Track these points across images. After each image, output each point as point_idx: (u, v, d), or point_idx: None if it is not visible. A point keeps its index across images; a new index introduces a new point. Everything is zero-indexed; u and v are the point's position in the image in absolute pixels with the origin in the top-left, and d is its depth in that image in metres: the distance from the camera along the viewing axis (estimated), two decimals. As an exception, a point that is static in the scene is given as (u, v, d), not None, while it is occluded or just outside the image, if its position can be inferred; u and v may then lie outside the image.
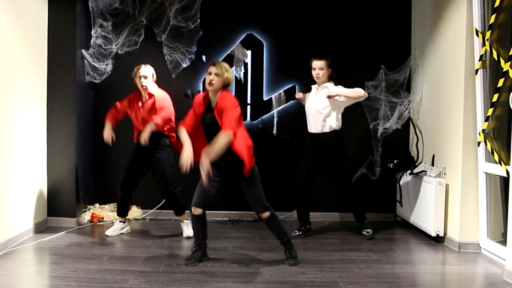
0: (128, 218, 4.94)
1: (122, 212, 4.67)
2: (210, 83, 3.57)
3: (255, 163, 3.68)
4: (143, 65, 4.45)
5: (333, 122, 4.49)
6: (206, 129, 3.66)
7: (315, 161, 4.59)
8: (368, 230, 4.66)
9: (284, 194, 5.31)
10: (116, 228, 4.65)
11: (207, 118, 3.65)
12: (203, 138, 3.69)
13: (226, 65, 3.67)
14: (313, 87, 4.69)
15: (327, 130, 4.50)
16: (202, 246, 3.85)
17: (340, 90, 4.42)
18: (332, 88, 4.47)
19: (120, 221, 4.69)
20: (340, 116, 4.56)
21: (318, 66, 4.51)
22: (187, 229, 4.59)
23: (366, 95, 4.48)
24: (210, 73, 3.59)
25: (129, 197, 4.64)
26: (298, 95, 4.83)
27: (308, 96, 4.69)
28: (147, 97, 4.44)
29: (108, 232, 4.61)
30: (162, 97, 4.48)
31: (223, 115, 3.49)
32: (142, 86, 4.40)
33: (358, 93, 4.40)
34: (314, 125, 4.54)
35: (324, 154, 4.54)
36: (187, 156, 3.50)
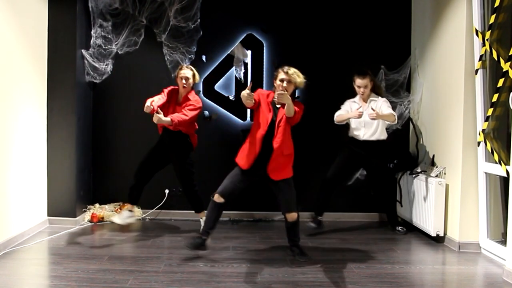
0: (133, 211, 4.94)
1: (131, 199, 4.71)
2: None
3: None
4: (184, 66, 4.55)
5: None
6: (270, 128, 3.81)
7: (354, 163, 4.77)
8: (402, 227, 4.85)
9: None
10: (123, 216, 4.76)
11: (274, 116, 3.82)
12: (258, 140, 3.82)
13: (296, 71, 3.84)
14: (354, 102, 4.72)
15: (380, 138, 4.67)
16: (205, 235, 3.97)
17: (382, 111, 4.44)
18: (377, 105, 4.52)
19: (129, 210, 4.77)
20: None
21: (363, 85, 4.59)
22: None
23: (395, 118, 4.51)
24: (282, 80, 3.77)
25: (141, 186, 4.66)
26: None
27: (353, 108, 4.67)
28: (183, 98, 4.50)
29: (115, 219, 4.76)
30: (193, 101, 4.46)
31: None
32: (184, 86, 4.46)
33: (392, 117, 4.45)
34: (367, 133, 4.66)
35: (370, 159, 4.69)
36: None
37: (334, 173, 4.74)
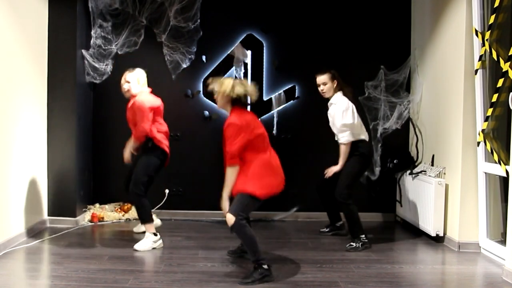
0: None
1: (145, 219, 4.27)
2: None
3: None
4: (127, 71, 4.35)
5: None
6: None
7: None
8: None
9: (289, 194, 5.29)
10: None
11: None
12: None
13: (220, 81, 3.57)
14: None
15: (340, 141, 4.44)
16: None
17: (340, 163, 4.36)
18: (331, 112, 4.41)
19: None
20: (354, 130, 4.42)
21: (322, 81, 4.40)
22: (140, 227, 4.55)
23: (347, 143, 4.34)
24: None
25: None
26: None
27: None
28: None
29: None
30: (138, 104, 4.20)
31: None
32: (124, 90, 4.33)
33: (344, 147, 4.32)
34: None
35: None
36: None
37: (322, 179, 4.59)
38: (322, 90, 4.42)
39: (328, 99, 4.46)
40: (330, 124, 4.47)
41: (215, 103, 3.66)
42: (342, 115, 4.29)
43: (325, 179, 4.53)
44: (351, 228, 4.38)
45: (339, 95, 4.40)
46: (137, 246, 4.16)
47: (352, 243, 4.29)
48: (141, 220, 4.32)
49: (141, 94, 4.30)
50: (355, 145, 4.36)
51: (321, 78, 4.41)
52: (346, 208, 4.34)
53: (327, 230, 4.81)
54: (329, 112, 4.47)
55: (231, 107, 3.54)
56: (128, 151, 4.33)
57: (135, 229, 4.73)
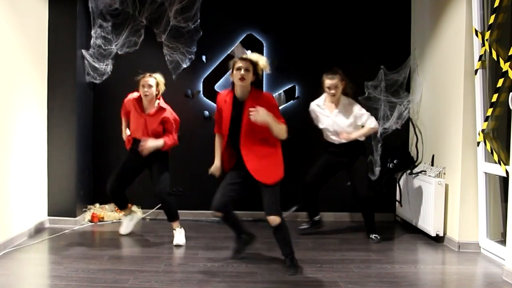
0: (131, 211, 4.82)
1: (121, 205, 4.60)
2: (242, 78, 3.48)
3: None
4: (148, 74, 4.34)
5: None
6: (232, 125, 3.56)
7: (333, 166, 4.65)
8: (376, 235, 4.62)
9: (290, 194, 5.29)
10: (126, 225, 4.68)
11: (236, 114, 3.55)
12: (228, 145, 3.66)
13: (255, 56, 3.64)
14: (322, 104, 4.55)
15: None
16: (240, 234, 3.90)
17: (357, 133, 4.43)
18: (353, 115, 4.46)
19: (124, 215, 4.70)
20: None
21: (334, 85, 4.37)
22: (178, 237, 4.42)
23: (378, 128, 4.56)
24: (240, 68, 3.49)
25: (122, 195, 4.54)
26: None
27: (320, 114, 4.57)
28: (155, 108, 4.34)
29: (121, 230, 4.66)
30: (174, 116, 4.42)
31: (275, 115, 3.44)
32: (145, 95, 4.29)
33: (373, 131, 4.50)
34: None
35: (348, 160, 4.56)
36: (214, 169, 3.72)
37: (313, 178, 4.64)
38: (333, 93, 4.41)
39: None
40: (332, 122, 4.47)
41: (242, 79, 3.46)
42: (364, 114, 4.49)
43: (318, 178, 4.63)
44: (372, 223, 4.62)
45: (344, 98, 4.48)
46: (179, 242, 4.31)
47: (376, 235, 4.55)
48: (170, 217, 4.43)
49: (162, 102, 4.41)
50: (362, 144, 4.54)
51: (333, 82, 4.37)
52: (370, 207, 4.60)
53: (307, 226, 4.84)
54: (339, 114, 4.48)
55: (251, 87, 3.56)
56: (151, 148, 4.28)
57: (123, 231, 4.66)
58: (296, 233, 4.65)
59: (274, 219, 3.54)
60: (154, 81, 4.33)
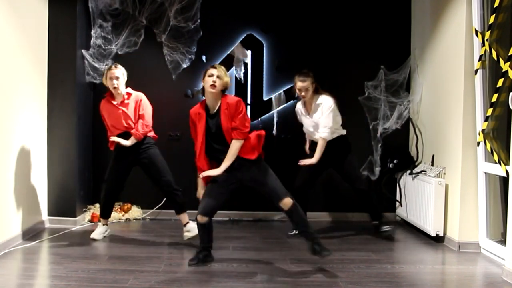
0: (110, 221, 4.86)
1: (106, 214, 4.55)
2: (213, 85, 3.55)
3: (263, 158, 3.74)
4: (113, 66, 4.34)
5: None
6: (212, 137, 3.64)
7: (318, 166, 4.54)
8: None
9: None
10: (100, 232, 4.51)
11: (212, 125, 3.62)
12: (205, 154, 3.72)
13: (224, 69, 3.69)
14: (299, 105, 4.60)
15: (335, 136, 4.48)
16: (207, 248, 3.84)
17: (316, 155, 4.35)
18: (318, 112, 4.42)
19: (103, 224, 4.56)
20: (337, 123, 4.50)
21: (305, 87, 4.36)
22: (191, 226, 4.43)
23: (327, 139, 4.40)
24: (212, 75, 3.56)
25: (115, 199, 4.58)
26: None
27: (301, 115, 4.60)
28: (125, 96, 4.34)
29: (94, 235, 4.46)
30: (144, 100, 4.40)
31: (238, 121, 3.54)
32: (114, 87, 4.28)
33: (323, 141, 4.36)
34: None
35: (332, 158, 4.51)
36: (200, 195, 3.81)
37: (300, 181, 4.59)
38: (303, 96, 4.39)
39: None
40: (312, 123, 4.45)
41: (213, 85, 3.54)
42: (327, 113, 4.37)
43: (306, 181, 4.57)
44: (376, 212, 4.63)
45: (318, 96, 4.42)
46: (190, 234, 4.39)
47: (385, 227, 4.58)
48: (179, 209, 4.47)
49: (130, 90, 4.40)
50: (345, 139, 4.54)
51: (305, 85, 4.35)
52: (369, 195, 4.58)
53: (297, 232, 4.73)
54: (316, 111, 4.44)
55: (221, 94, 3.65)
56: (127, 144, 4.28)
57: (96, 236, 4.50)
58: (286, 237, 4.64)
59: (286, 202, 3.60)
60: (121, 71, 4.32)
